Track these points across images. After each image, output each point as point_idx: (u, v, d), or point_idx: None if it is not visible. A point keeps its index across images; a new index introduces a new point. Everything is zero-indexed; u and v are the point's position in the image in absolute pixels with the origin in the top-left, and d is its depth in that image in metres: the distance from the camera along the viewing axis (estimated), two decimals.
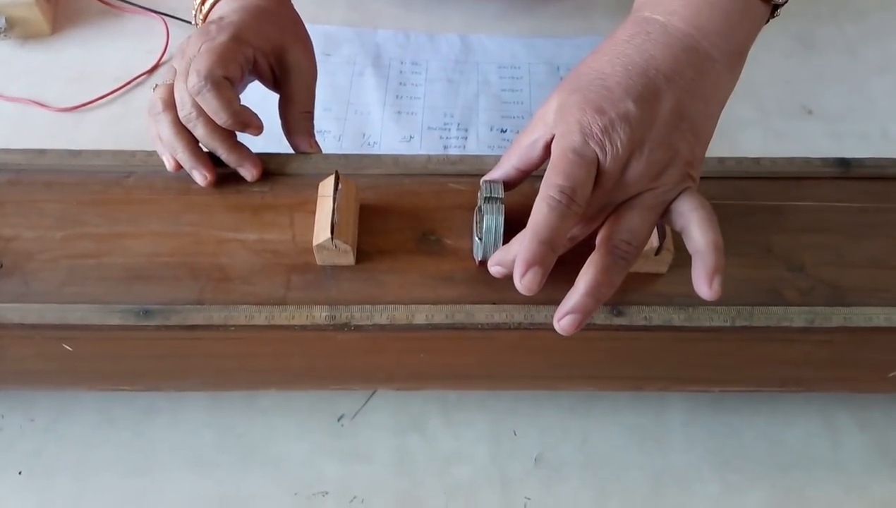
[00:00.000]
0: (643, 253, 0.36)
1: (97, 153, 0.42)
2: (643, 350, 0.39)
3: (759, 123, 0.63)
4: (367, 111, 0.63)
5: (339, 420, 0.46)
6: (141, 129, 0.62)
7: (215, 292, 0.38)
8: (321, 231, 0.37)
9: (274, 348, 0.39)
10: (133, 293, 0.37)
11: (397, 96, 0.64)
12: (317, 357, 0.40)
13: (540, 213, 0.32)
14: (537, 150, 0.36)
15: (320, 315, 0.37)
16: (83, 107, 0.62)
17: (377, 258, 0.39)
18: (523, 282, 0.32)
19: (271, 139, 0.45)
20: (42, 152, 0.42)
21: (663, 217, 0.35)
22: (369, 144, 0.61)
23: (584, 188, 0.33)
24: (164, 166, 0.42)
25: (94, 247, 0.39)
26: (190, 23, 0.67)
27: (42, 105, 0.62)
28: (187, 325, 0.36)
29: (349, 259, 0.38)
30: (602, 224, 0.35)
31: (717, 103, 0.36)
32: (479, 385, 0.44)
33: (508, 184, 0.38)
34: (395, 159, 0.43)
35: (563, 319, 0.33)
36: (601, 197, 0.34)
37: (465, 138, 0.62)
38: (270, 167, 0.42)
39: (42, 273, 0.38)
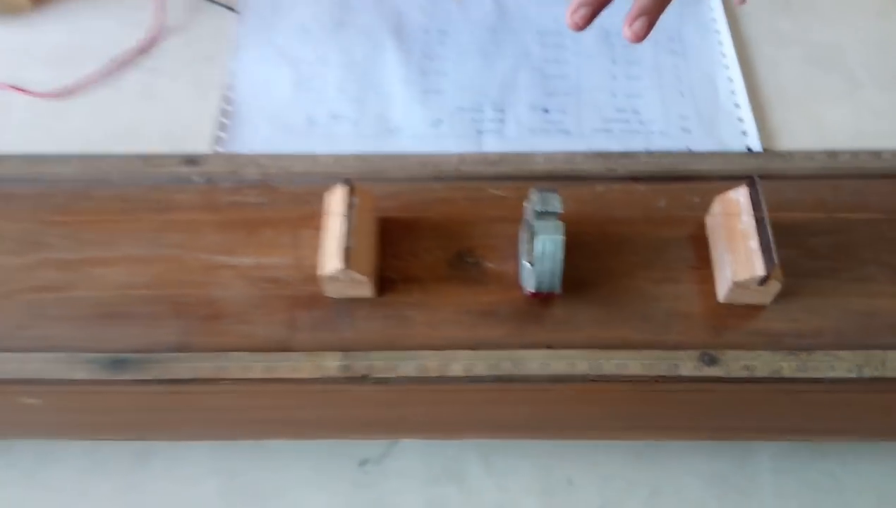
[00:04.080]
0: (745, 282, 0.28)
1: (62, 159, 0.35)
2: (739, 401, 0.31)
3: (850, 97, 0.54)
4: (387, 91, 0.55)
5: (361, 465, 0.39)
6: (134, 117, 0.55)
7: (203, 334, 0.30)
8: (330, 258, 0.30)
9: (276, 401, 0.31)
10: (104, 336, 0.30)
11: (422, 72, 0.56)
12: (329, 409, 0.32)
13: None
14: None
15: (332, 365, 0.29)
16: (70, 93, 0.55)
17: (402, 288, 0.31)
18: None
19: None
20: (2, 159, 0.35)
21: None
22: (391, 130, 0.53)
23: None
24: (140, 173, 0.34)
25: (57, 278, 0.32)
26: None
27: (22, 90, 0.55)
28: (168, 379, 0.29)
29: (367, 290, 0.31)
30: None
31: None
32: (526, 435, 0.36)
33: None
34: (422, 159, 0.35)
35: (634, 22, 0.37)
36: None
37: (503, 121, 0.53)
38: (270, 171, 0.35)
39: None
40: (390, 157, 0.35)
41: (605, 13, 0.58)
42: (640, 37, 0.39)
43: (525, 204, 0.31)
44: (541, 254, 0.28)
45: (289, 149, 0.52)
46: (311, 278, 0.32)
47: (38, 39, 0.58)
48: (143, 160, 0.35)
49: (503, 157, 0.34)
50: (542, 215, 0.28)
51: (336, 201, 0.31)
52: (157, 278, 0.32)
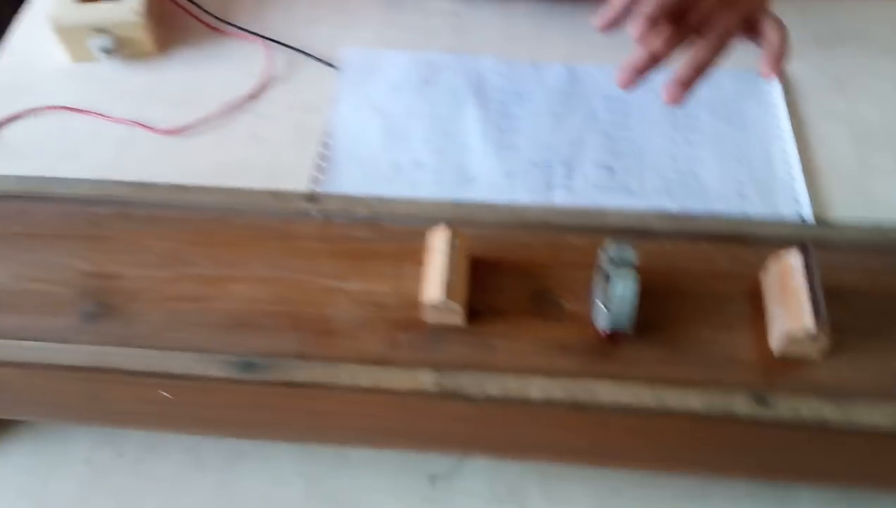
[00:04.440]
0: (796, 336, 0.32)
1: (204, 189, 0.41)
2: (786, 444, 0.35)
3: None
4: (466, 143, 0.61)
5: (431, 481, 0.44)
6: (242, 156, 0.62)
7: (318, 346, 0.36)
8: (433, 289, 0.35)
9: (372, 408, 0.36)
10: (234, 341, 0.36)
11: (499, 129, 0.61)
12: (416, 420, 0.37)
13: None
14: None
15: (427, 380, 0.34)
16: (186, 131, 0.62)
17: (488, 319, 0.36)
18: (635, 28, 0.43)
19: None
20: (149, 186, 0.41)
21: (748, 31, 0.47)
22: (468, 179, 0.58)
23: None
24: (269, 206, 0.40)
25: (197, 290, 0.38)
26: (293, 48, 0.67)
27: (145, 126, 0.62)
28: (289, 382, 0.35)
29: (459, 319, 0.36)
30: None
31: None
32: (587, 461, 0.40)
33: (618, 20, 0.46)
34: (511, 209, 0.40)
35: (672, 89, 0.45)
36: None
37: (570, 176, 0.58)
38: (377, 211, 0.40)
39: (145, 315, 0.37)
40: (482, 205, 0.40)
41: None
42: (677, 101, 0.46)
43: (600, 252, 0.35)
44: (616, 298, 0.33)
45: (377, 191, 0.58)
46: (411, 304, 0.37)
47: (161, 81, 0.65)
48: (271, 195, 0.40)
49: (582, 211, 0.39)
50: (617, 264, 0.33)
51: (439, 240, 0.36)
52: (280, 296, 0.37)
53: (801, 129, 0.60)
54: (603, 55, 0.67)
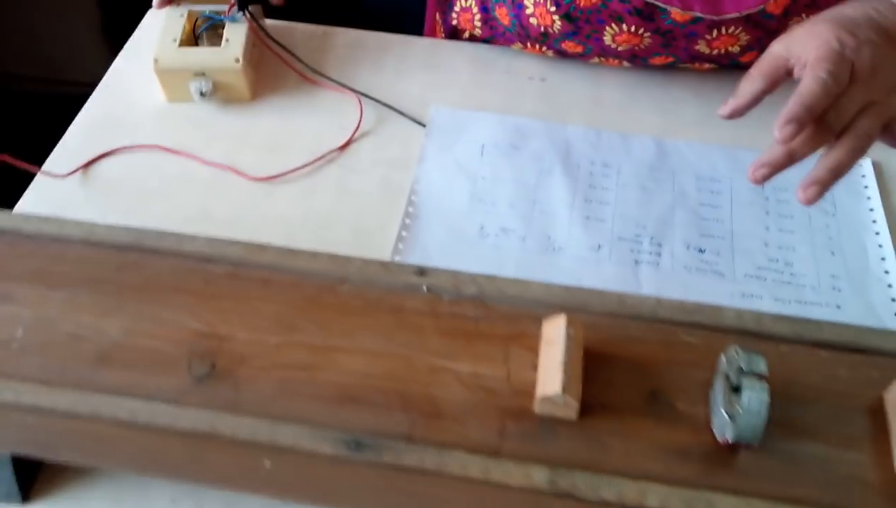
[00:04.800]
0: None
1: (314, 255, 0.41)
2: None
3: None
4: (553, 211, 0.61)
5: None
6: (329, 208, 0.62)
7: (427, 429, 0.35)
8: (549, 383, 0.34)
9: (479, 499, 0.36)
10: (343, 417, 0.36)
11: (586, 199, 0.61)
12: None
13: (807, 85, 0.43)
14: (780, 73, 0.47)
15: (540, 478, 0.33)
16: (276, 179, 0.63)
17: (601, 415, 0.36)
18: (783, 132, 0.43)
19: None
20: (262, 248, 0.42)
21: (885, 134, 0.47)
22: (554, 249, 0.58)
23: (843, 79, 0.44)
24: (379, 276, 0.40)
25: (307, 359, 0.38)
26: (384, 104, 0.67)
27: (238, 172, 0.63)
28: (396, 465, 0.34)
29: (572, 414, 0.35)
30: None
31: None
32: None
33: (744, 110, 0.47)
34: (622, 298, 0.39)
35: (808, 189, 0.45)
36: (855, 94, 0.44)
37: (659, 254, 0.58)
38: (486, 290, 0.40)
39: (254, 381, 0.37)
40: (592, 292, 0.39)
41: None
42: (812, 202, 0.45)
43: (722, 356, 0.34)
44: (747, 410, 0.32)
45: (460, 253, 0.58)
46: (521, 392, 0.36)
47: (254, 127, 0.66)
48: (381, 266, 0.40)
49: (698, 308, 0.38)
50: (746, 374, 0.32)
51: (556, 330, 0.35)
52: (389, 372, 0.37)
53: (894, 220, 0.59)
54: (692, 131, 0.67)
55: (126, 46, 0.73)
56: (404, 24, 0.79)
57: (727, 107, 0.49)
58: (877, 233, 0.58)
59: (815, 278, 0.56)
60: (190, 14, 0.68)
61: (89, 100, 0.69)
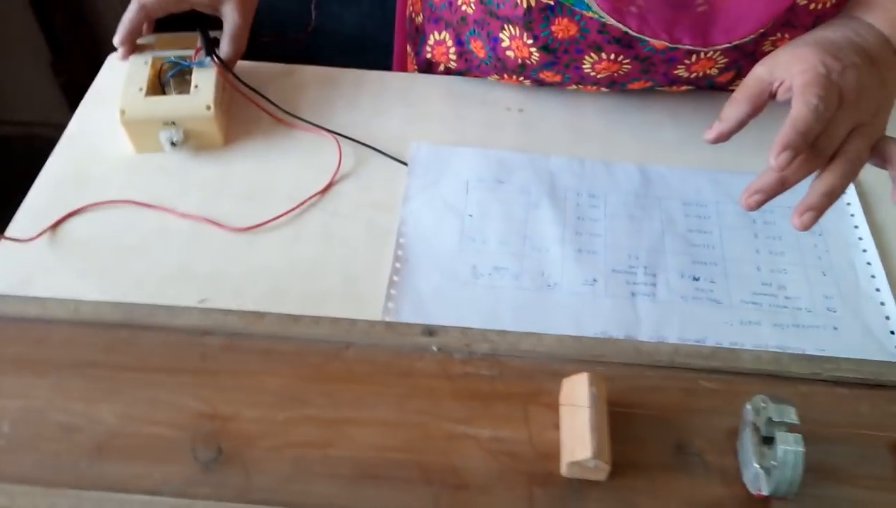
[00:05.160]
0: None
1: (316, 320, 0.40)
2: None
3: None
4: (544, 246, 0.60)
5: None
6: (316, 254, 0.60)
7: (452, 502, 0.34)
8: (578, 447, 0.33)
9: None
10: (362, 495, 0.34)
11: (576, 232, 0.61)
12: None
13: (799, 112, 0.43)
14: (764, 97, 0.48)
15: None
16: (257, 228, 0.61)
17: (630, 473, 0.35)
18: (779, 160, 0.43)
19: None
20: (260, 316, 0.40)
21: (871, 153, 0.47)
22: (549, 285, 0.57)
23: (833, 103, 0.44)
24: (385, 339, 0.39)
25: (318, 435, 0.36)
26: (363, 143, 0.66)
27: (216, 223, 0.61)
28: None
29: (602, 476, 0.34)
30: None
31: (893, 96, 0.49)
32: None
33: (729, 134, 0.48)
34: (637, 346, 0.39)
35: (804, 215, 0.45)
36: (843, 118, 0.45)
37: (654, 285, 0.57)
38: (498, 346, 0.39)
39: (265, 463, 0.35)
40: (607, 342, 0.39)
41: (741, 189, 0.63)
42: (807, 228, 0.46)
43: (747, 405, 0.34)
44: (783, 464, 0.31)
45: (454, 296, 0.57)
46: (545, 455, 0.35)
47: (229, 174, 0.64)
48: (386, 327, 0.39)
49: (714, 352, 0.38)
50: (779, 425, 0.32)
51: (579, 390, 0.34)
52: (407, 442, 0.36)
53: (882, 239, 0.60)
54: (672, 155, 0.67)
55: (87, 95, 0.70)
56: (373, 56, 0.78)
57: (712, 132, 0.49)
58: (864, 251, 0.59)
59: (809, 300, 0.56)
60: (154, 60, 0.65)
61: (52, 155, 0.65)
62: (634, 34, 0.55)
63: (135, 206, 0.62)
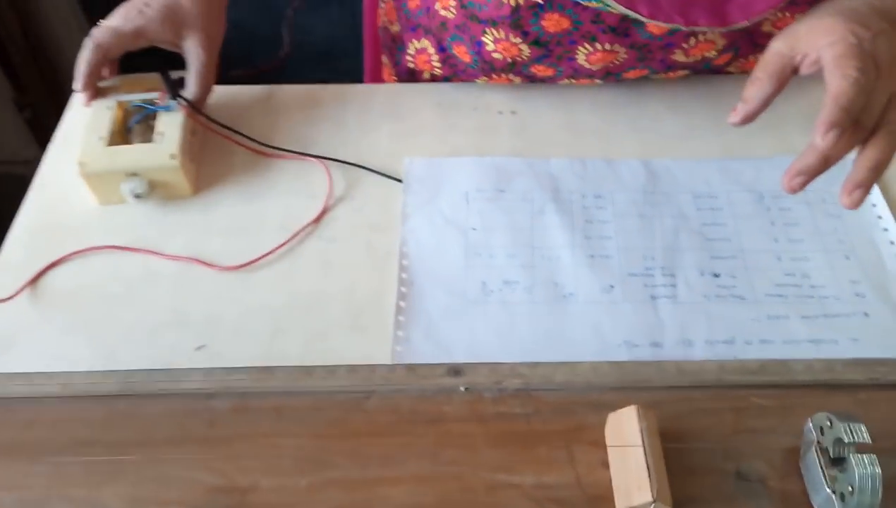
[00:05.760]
0: None
1: (330, 370, 0.37)
2: None
3: None
4: (555, 255, 0.57)
5: None
6: (316, 286, 0.56)
7: None
8: (635, 489, 0.30)
9: None
10: None
11: (586, 236, 0.58)
12: None
13: (840, 87, 0.41)
14: (787, 72, 0.46)
15: None
16: (250, 264, 0.57)
17: None
18: (826, 139, 0.41)
19: None
20: (268, 371, 0.37)
21: None
22: (564, 296, 0.54)
23: (871, 74, 0.42)
24: (407, 383, 0.36)
25: (347, 499, 0.33)
26: (352, 164, 0.63)
27: (205, 263, 0.57)
28: None
29: None
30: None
31: None
32: None
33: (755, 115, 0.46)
34: (680, 367, 0.36)
35: (853, 193, 0.43)
36: (881, 88, 0.43)
37: (674, 285, 0.54)
38: (530, 381, 0.36)
39: None
40: (647, 365, 0.36)
41: (758, 176, 0.61)
42: (857, 206, 0.44)
43: (809, 423, 0.31)
44: (860, 489, 0.29)
45: (466, 315, 0.54)
46: (597, 498, 0.32)
47: (213, 214, 0.59)
48: (407, 370, 0.36)
49: (763, 365, 0.35)
50: (852, 446, 0.29)
51: (627, 425, 0.32)
52: (444, 499, 0.33)
53: None
54: (674, 147, 0.64)
55: (54, 139, 0.66)
56: (344, 66, 0.75)
57: (737, 115, 0.47)
58: (885, 230, 0.57)
59: (835, 287, 0.53)
60: (119, 104, 0.60)
61: (23, 205, 0.61)
62: (646, 20, 0.53)
63: (117, 251, 0.58)
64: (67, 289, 0.56)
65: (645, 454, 0.30)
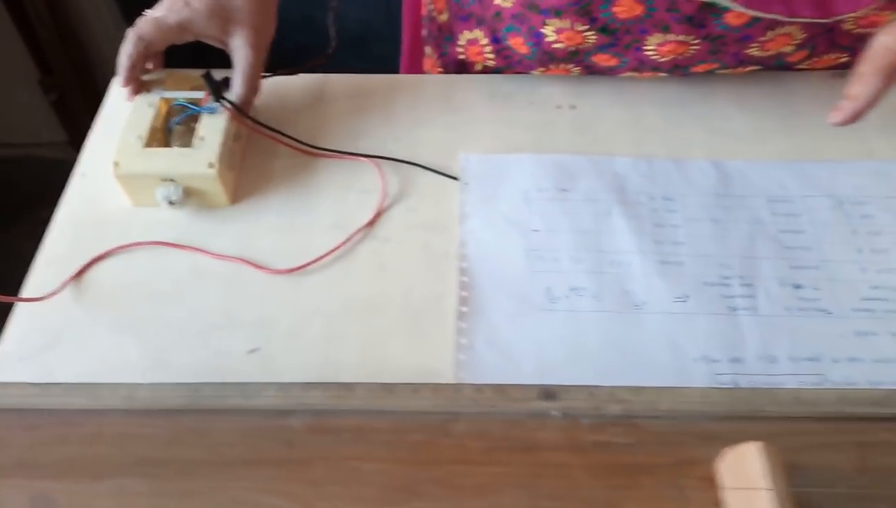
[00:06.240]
0: None
1: (414, 388, 0.34)
2: None
3: None
4: (623, 261, 0.54)
5: None
6: (372, 291, 0.53)
7: None
8: None
9: None
10: None
11: (656, 241, 0.55)
12: None
13: None
14: None
15: None
16: (303, 268, 0.54)
17: None
18: None
19: None
20: (348, 389, 0.34)
21: None
22: (635, 305, 0.51)
23: None
24: (496, 406, 0.33)
25: None
26: (407, 162, 0.60)
27: (255, 265, 0.54)
28: None
29: None
30: None
31: None
32: None
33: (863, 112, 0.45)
34: (797, 395, 0.33)
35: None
36: None
37: (753, 296, 0.51)
38: (632, 407, 0.33)
39: None
40: (760, 392, 0.33)
41: (836, 181, 0.58)
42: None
43: None
44: None
45: (532, 324, 0.51)
46: None
47: (260, 218, 0.57)
48: (496, 391, 0.33)
49: (888, 395, 0.32)
50: None
51: (749, 464, 0.29)
52: None
53: None
54: (745, 147, 0.61)
55: (95, 128, 0.63)
56: (378, 51, 0.72)
57: (841, 114, 0.46)
58: None
59: None
60: (163, 102, 0.57)
61: (63, 196, 0.59)
62: (742, 8, 0.50)
63: (162, 247, 0.56)
64: (112, 286, 0.54)
65: (774, 499, 0.28)
